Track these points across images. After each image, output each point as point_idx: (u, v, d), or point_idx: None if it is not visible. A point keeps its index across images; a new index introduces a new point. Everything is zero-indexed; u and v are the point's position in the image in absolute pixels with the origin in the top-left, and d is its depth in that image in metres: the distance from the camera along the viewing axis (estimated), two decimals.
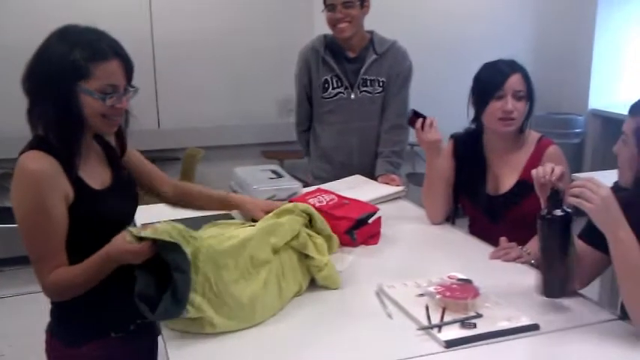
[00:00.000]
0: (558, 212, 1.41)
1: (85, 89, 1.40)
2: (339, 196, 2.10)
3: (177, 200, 1.86)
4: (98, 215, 1.46)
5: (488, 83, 1.95)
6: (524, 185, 1.96)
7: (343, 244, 1.84)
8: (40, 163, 1.39)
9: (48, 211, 1.39)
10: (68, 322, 1.56)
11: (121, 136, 1.62)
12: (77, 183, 1.44)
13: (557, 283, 1.46)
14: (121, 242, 1.35)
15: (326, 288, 1.61)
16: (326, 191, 2.14)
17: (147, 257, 1.34)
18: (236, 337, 1.37)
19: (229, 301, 1.37)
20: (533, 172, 1.49)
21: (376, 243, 1.98)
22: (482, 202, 2.05)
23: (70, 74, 1.38)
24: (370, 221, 1.99)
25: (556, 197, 1.42)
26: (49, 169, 1.39)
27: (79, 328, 1.54)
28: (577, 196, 1.34)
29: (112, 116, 1.46)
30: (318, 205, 1.99)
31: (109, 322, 1.55)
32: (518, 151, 2.01)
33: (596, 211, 1.33)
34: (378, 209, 2.04)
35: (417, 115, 2.05)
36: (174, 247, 1.31)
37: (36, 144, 1.42)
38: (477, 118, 2.03)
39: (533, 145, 2.00)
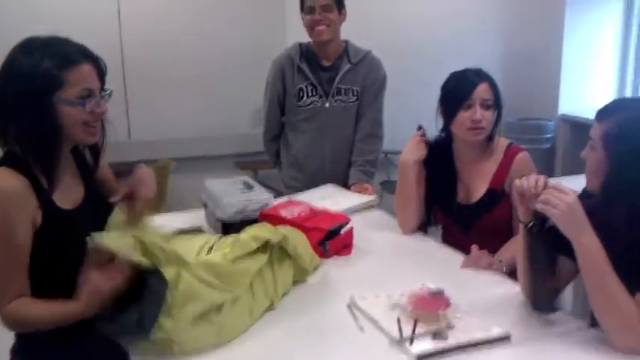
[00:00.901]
0: (544, 225, 1.41)
1: (63, 98, 1.35)
2: (310, 207, 2.08)
3: None
4: (67, 239, 1.40)
5: (456, 93, 1.96)
6: (495, 193, 1.97)
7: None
8: (10, 180, 1.33)
9: (13, 233, 1.33)
10: (33, 348, 1.50)
11: (96, 149, 1.57)
12: (46, 203, 1.38)
13: (549, 296, 1.46)
14: (95, 283, 1.31)
15: (297, 301, 1.59)
16: (297, 202, 2.13)
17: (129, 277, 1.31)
18: (205, 355, 1.35)
19: (200, 322, 1.34)
20: (516, 183, 1.46)
21: (349, 253, 1.97)
22: (453, 211, 2.05)
23: (44, 86, 1.33)
24: (342, 232, 1.98)
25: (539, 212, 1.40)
26: (18, 189, 1.33)
27: (43, 353, 1.48)
28: (543, 203, 1.35)
29: (92, 123, 1.42)
30: (289, 217, 1.97)
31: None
32: (488, 159, 2.02)
33: (560, 217, 1.33)
34: (349, 220, 2.03)
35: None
36: (152, 269, 1.29)
37: (6, 161, 1.37)
38: (445, 128, 2.03)
39: (502, 152, 2.01)
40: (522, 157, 1.98)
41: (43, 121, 1.35)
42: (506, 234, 1.94)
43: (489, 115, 1.94)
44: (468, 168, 2.05)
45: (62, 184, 1.45)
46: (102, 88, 1.44)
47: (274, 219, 1.95)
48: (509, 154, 1.99)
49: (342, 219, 2.02)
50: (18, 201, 1.33)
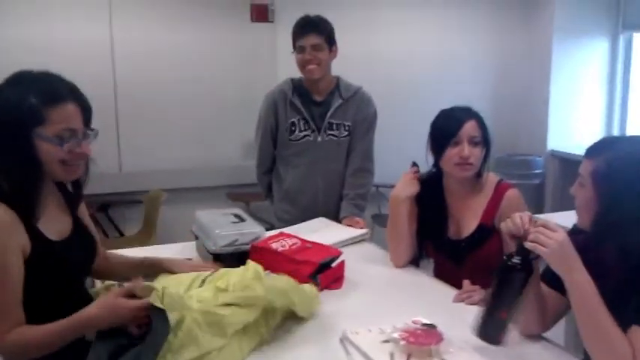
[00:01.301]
0: (518, 260, 1.41)
1: (42, 135, 1.35)
2: (302, 240, 2.08)
3: (102, 274, 1.74)
4: (56, 268, 1.40)
5: (444, 130, 1.98)
6: (485, 229, 1.98)
7: None
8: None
9: (5, 264, 1.32)
10: None
11: (78, 186, 1.57)
12: (34, 235, 1.38)
13: (498, 328, 1.45)
14: (120, 300, 1.32)
15: (289, 334, 1.57)
16: (289, 235, 2.12)
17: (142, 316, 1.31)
18: None
19: None
20: (504, 225, 1.47)
21: (340, 287, 1.95)
22: (444, 246, 2.06)
23: (24, 121, 1.34)
24: (333, 265, 1.97)
25: (523, 247, 1.41)
26: (5, 220, 1.34)
27: None
28: (532, 241, 1.35)
29: (72, 162, 1.42)
30: (280, 249, 1.97)
31: None
32: (478, 195, 2.03)
33: (550, 255, 1.34)
34: (341, 253, 2.02)
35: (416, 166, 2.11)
36: (159, 312, 1.28)
37: None
38: (435, 164, 2.05)
39: (492, 189, 2.02)
40: (512, 193, 2.00)
41: (22, 155, 1.35)
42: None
43: (477, 152, 1.96)
44: (458, 203, 2.06)
45: (48, 216, 1.45)
46: (88, 129, 1.44)
47: (265, 252, 1.95)
48: (499, 190, 2.01)
49: (334, 252, 2.02)
50: (6, 231, 1.33)
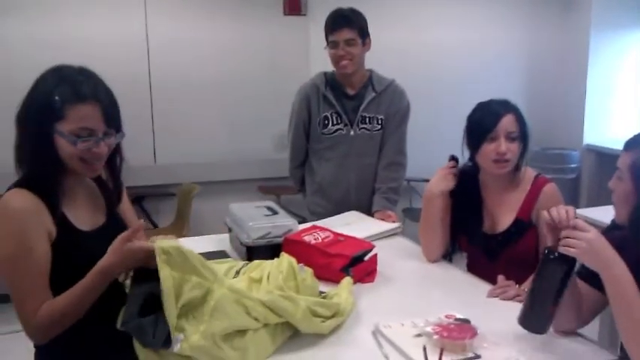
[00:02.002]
0: (560, 253, 1.38)
1: (59, 131, 1.39)
2: (334, 233, 2.08)
3: None
4: (82, 255, 1.43)
5: (480, 125, 1.93)
6: (521, 224, 1.95)
7: (338, 282, 1.81)
8: (22, 201, 1.38)
9: (31, 249, 1.37)
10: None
11: (117, 183, 1.61)
12: (61, 221, 1.43)
13: (542, 319, 1.43)
14: (128, 244, 1.38)
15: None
16: (321, 228, 2.13)
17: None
18: None
19: (225, 347, 1.34)
20: (545, 215, 1.45)
21: (372, 281, 1.96)
22: (479, 241, 2.04)
23: (47, 114, 1.38)
24: (366, 258, 1.97)
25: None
26: (31, 207, 1.38)
27: None
28: (564, 245, 1.35)
29: (90, 160, 1.44)
30: (313, 242, 1.97)
31: None
32: (515, 189, 2.00)
33: (582, 255, 1.34)
34: (373, 246, 2.02)
35: (455, 159, 2.06)
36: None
37: (21, 182, 1.41)
38: (471, 158, 2.03)
39: (529, 183, 1.99)
40: (550, 188, 1.96)
41: (41, 146, 1.39)
42: (533, 264, 1.90)
43: (514, 147, 1.92)
44: (494, 198, 2.04)
45: (76, 208, 1.49)
46: (113, 130, 1.46)
47: (298, 244, 1.96)
48: (537, 185, 1.97)
49: (366, 245, 2.02)
50: (32, 218, 1.38)
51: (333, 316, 1.56)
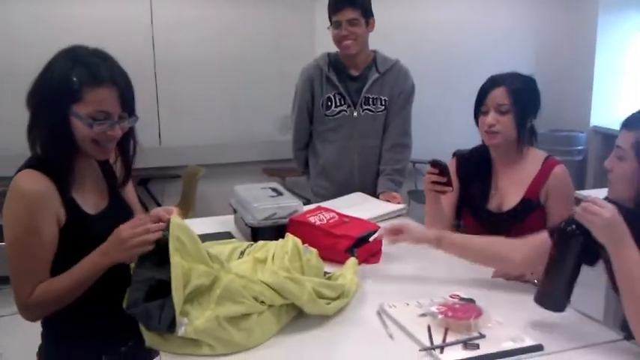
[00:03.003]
0: (575, 226, 1.38)
1: (76, 113, 1.38)
2: (339, 214, 2.08)
3: None
4: (89, 239, 1.43)
5: (477, 99, 1.99)
6: (529, 203, 1.95)
7: (343, 263, 1.82)
8: (34, 182, 1.38)
9: (39, 232, 1.38)
10: (58, 346, 1.53)
11: (128, 166, 1.60)
12: (70, 205, 1.43)
13: (563, 296, 1.42)
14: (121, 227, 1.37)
15: None
16: (327, 209, 2.13)
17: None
18: (234, 359, 1.35)
19: (230, 328, 1.35)
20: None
21: (377, 261, 1.96)
22: (484, 218, 2.03)
23: (64, 96, 1.37)
24: (371, 239, 1.97)
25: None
26: (42, 189, 1.38)
27: (69, 352, 1.51)
28: (583, 210, 1.33)
29: (103, 142, 1.44)
30: (318, 223, 1.97)
31: (99, 345, 1.53)
32: (524, 168, 2.00)
33: (599, 229, 1.32)
34: (378, 227, 2.02)
35: (436, 165, 1.99)
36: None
37: (33, 163, 1.41)
38: None
39: (539, 163, 1.99)
40: (560, 170, 1.96)
41: (55, 127, 1.38)
42: None
43: (505, 120, 1.92)
44: (503, 176, 2.04)
45: (85, 191, 1.49)
46: (127, 113, 1.45)
47: (303, 225, 1.96)
48: (548, 166, 1.97)
49: (371, 226, 2.02)
50: (42, 201, 1.38)
51: (338, 298, 1.56)
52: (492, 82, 1.96)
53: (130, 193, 1.70)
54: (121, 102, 1.42)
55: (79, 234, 1.44)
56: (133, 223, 1.39)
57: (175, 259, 1.33)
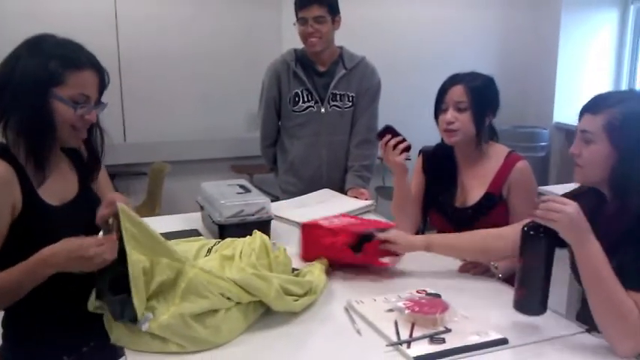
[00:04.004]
0: (539, 228, 1.37)
1: (58, 96, 1.38)
2: (361, 219, 2.02)
3: None
4: (46, 231, 1.39)
5: (437, 97, 2.01)
6: (492, 198, 1.98)
7: (349, 262, 1.79)
8: None
9: None
10: (19, 346, 1.50)
11: (96, 155, 1.59)
12: (29, 196, 1.40)
13: (540, 299, 1.41)
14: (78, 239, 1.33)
15: None
16: (349, 216, 2.06)
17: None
18: (199, 356, 1.34)
19: (196, 325, 1.34)
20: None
21: (393, 264, 1.85)
22: (450, 214, 2.06)
23: (44, 80, 1.37)
24: (382, 235, 1.80)
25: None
26: (4, 177, 1.35)
27: (30, 353, 1.48)
28: (545, 210, 1.35)
29: (80, 127, 1.44)
30: (327, 224, 1.87)
31: (60, 345, 1.50)
32: (487, 164, 2.03)
33: (562, 226, 1.33)
34: (393, 225, 1.93)
35: (390, 131, 2.01)
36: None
37: None
38: None
39: (502, 159, 2.01)
40: (523, 165, 1.99)
41: (38, 113, 1.37)
42: None
43: (463, 118, 1.95)
44: (467, 172, 2.06)
45: (51, 180, 1.46)
46: (99, 100, 1.47)
47: (312, 228, 1.88)
48: (509, 161, 2.00)
49: (383, 225, 1.94)
50: (1, 187, 1.35)
51: (305, 294, 1.56)
52: (451, 80, 1.99)
53: (102, 181, 1.68)
54: (99, 87, 1.45)
55: (36, 225, 1.40)
56: (99, 242, 1.35)
57: (133, 257, 1.31)
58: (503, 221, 1.96)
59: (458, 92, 1.95)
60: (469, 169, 2.06)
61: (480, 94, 1.95)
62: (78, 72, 1.39)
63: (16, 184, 1.38)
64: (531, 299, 1.41)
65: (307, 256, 1.86)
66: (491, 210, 1.98)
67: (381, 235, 1.79)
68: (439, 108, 1.99)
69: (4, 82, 1.38)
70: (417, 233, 2.17)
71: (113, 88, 4.52)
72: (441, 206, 2.09)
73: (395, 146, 1.99)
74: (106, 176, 1.71)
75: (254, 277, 1.44)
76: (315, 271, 1.68)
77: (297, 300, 1.52)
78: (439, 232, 2.15)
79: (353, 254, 1.78)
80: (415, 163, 2.19)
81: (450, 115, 1.95)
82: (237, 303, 1.43)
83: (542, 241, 1.37)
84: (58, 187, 1.50)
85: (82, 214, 1.46)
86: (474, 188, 2.03)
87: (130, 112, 4.44)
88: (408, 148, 2.00)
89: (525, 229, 1.40)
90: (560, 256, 1.46)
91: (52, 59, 1.37)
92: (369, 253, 1.79)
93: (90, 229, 1.55)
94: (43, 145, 1.40)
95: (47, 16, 4.01)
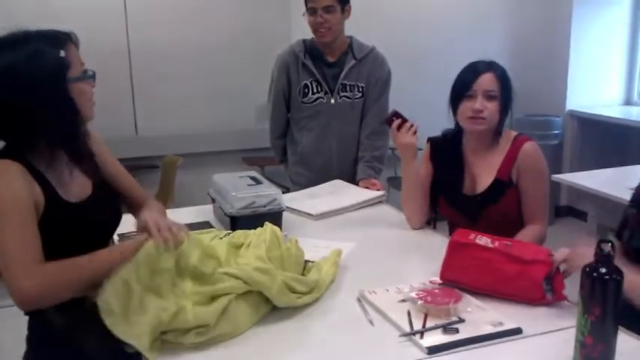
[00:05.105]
0: (604, 269, 1.17)
1: (75, 77, 1.37)
2: (492, 237, 1.61)
3: None
4: (74, 231, 1.38)
5: (460, 83, 1.96)
6: (501, 184, 1.97)
7: (539, 302, 1.49)
8: (12, 165, 1.32)
9: (27, 206, 1.30)
10: (43, 352, 1.49)
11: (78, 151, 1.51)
12: (50, 194, 1.37)
13: (614, 335, 1.21)
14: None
15: None
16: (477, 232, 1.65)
17: None
18: (216, 348, 1.34)
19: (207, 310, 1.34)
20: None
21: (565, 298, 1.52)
22: (458, 202, 2.05)
23: (56, 70, 1.34)
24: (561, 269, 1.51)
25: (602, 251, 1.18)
26: (22, 172, 1.33)
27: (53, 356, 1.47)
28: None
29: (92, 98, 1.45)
30: (490, 245, 1.57)
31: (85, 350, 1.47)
32: (495, 149, 2.01)
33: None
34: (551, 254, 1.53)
35: (397, 115, 2.03)
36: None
37: (3, 152, 1.37)
38: (455, 119, 2.03)
39: (509, 143, 2.00)
40: (529, 146, 1.97)
41: (66, 104, 1.35)
42: (514, 225, 1.95)
43: (492, 107, 1.92)
44: (475, 160, 2.05)
45: (63, 179, 1.43)
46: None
47: (470, 248, 1.58)
48: (516, 144, 1.98)
49: (543, 254, 1.54)
50: (23, 181, 1.32)
51: (308, 293, 1.54)
52: (480, 68, 1.94)
53: (119, 172, 1.66)
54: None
55: (60, 225, 1.37)
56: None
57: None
58: (514, 209, 1.94)
59: (488, 80, 1.92)
60: (478, 157, 2.04)
61: (508, 83, 1.95)
62: (69, 48, 1.38)
63: (33, 182, 1.34)
64: (607, 354, 1.21)
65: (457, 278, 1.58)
66: (501, 196, 1.96)
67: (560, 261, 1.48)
68: (462, 95, 1.94)
69: (16, 84, 1.31)
70: (429, 223, 2.16)
71: (124, 83, 4.57)
72: (450, 195, 2.08)
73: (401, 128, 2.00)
74: (118, 164, 1.67)
75: (256, 271, 1.43)
76: (325, 265, 1.67)
77: (299, 297, 1.50)
78: (450, 222, 2.14)
79: (544, 293, 1.49)
80: (423, 151, 2.17)
81: (479, 103, 1.91)
82: (247, 293, 1.42)
83: (611, 283, 1.17)
84: (72, 184, 1.47)
85: (100, 210, 1.45)
86: (482, 175, 2.01)
87: (141, 106, 4.45)
88: (416, 132, 2.01)
89: (595, 274, 1.18)
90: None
91: (48, 48, 1.34)
92: (558, 288, 1.50)
93: (111, 223, 1.56)
94: (77, 133, 1.39)
95: (57, 13, 4.02)
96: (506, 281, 1.49)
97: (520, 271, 1.48)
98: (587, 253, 1.25)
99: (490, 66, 1.95)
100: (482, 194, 1.99)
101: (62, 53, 1.35)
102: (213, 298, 1.38)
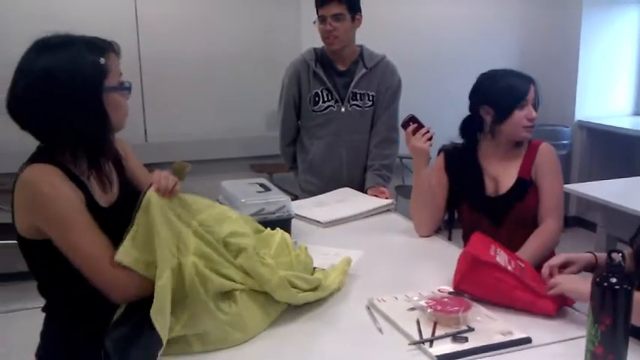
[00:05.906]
0: (615, 279, 1.16)
1: (110, 87, 1.38)
2: (508, 253, 1.69)
3: None
4: (108, 235, 1.39)
5: (515, 92, 2.00)
6: (524, 182, 2.03)
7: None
8: (56, 173, 1.34)
9: (81, 208, 1.34)
10: (56, 349, 1.49)
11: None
12: (88, 198, 1.39)
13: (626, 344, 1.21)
14: None
15: (315, 302, 1.57)
16: (498, 245, 1.71)
17: None
18: (224, 354, 1.35)
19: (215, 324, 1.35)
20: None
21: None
22: (482, 205, 2.06)
23: (93, 77, 1.35)
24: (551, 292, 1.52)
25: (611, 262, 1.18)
26: (66, 181, 1.34)
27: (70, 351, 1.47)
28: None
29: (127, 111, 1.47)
30: (510, 268, 1.57)
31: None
32: (513, 151, 2.09)
33: (576, 295, 1.46)
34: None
35: (414, 120, 2.05)
36: None
37: (39, 157, 1.37)
38: (492, 128, 2.04)
39: (525, 147, 2.08)
40: (546, 146, 2.07)
41: (99, 112, 1.36)
42: (533, 224, 2.01)
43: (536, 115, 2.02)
44: (490, 164, 2.10)
45: (96, 183, 1.45)
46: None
47: (490, 268, 1.55)
48: (533, 145, 2.08)
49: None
50: (69, 185, 1.35)
51: (310, 290, 1.54)
52: (527, 77, 2.03)
53: (136, 167, 1.67)
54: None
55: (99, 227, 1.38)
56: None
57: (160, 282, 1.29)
58: (535, 206, 1.99)
59: (533, 91, 2.01)
60: (494, 161, 2.08)
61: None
62: (110, 56, 1.39)
63: (74, 186, 1.36)
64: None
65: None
66: (525, 194, 2.02)
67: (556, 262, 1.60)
68: (517, 103, 1.99)
69: (50, 87, 1.32)
70: (438, 231, 2.16)
71: (134, 89, 4.54)
72: (473, 199, 2.09)
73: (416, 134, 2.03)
74: (133, 158, 1.69)
75: (258, 263, 1.44)
76: (333, 274, 1.67)
77: (300, 293, 1.50)
78: (468, 226, 2.13)
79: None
80: (435, 161, 2.18)
81: (534, 112, 2.00)
82: (254, 293, 1.43)
83: (622, 292, 1.16)
84: (104, 189, 1.48)
85: (125, 214, 1.46)
86: (503, 177, 2.06)
87: (150, 113, 4.47)
88: (431, 138, 2.03)
89: (606, 284, 1.17)
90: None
91: (87, 54, 1.34)
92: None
93: None
94: (107, 138, 1.41)
95: (67, 18, 4.04)
96: (519, 304, 1.52)
97: (533, 301, 1.51)
98: (579, 281, 1.44)
99: (530, 76, 2.05)
100: (507, 194, 2.04)
101: (102, 60, 1.36)
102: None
